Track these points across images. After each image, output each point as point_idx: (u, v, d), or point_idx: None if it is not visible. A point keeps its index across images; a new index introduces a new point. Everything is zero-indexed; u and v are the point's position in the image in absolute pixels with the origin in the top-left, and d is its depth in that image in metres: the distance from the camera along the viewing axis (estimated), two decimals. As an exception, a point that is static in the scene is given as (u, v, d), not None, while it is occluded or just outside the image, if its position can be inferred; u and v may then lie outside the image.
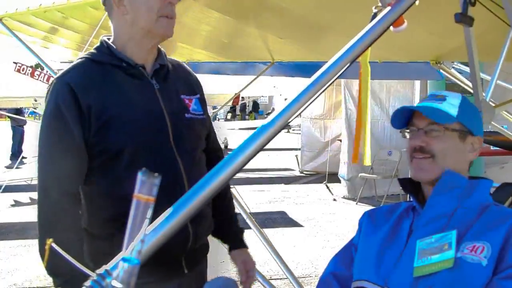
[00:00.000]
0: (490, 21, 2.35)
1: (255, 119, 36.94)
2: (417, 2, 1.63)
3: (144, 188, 1.05)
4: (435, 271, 1.64)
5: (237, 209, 4.90)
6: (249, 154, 1.28)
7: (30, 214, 8.76)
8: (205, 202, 1.20)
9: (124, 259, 1.04)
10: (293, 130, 23.73)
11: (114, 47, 2.13)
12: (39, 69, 15.58)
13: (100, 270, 1.07)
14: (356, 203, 10.32)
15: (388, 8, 1.60)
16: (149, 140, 2.09)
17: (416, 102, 8.89)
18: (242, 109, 38.98)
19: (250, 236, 5.85)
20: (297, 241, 7.67)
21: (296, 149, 15.27)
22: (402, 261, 1.76)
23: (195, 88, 2.34)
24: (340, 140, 11.71)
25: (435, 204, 1.79)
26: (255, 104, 39.91)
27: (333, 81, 1.49)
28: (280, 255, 4.34)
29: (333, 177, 11.77)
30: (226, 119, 37.00)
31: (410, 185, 1.94)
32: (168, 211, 1.15)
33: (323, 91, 1.50)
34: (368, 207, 9.69)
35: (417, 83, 8.99)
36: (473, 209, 1.76)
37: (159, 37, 2.15)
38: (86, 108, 2.01)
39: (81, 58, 2.16)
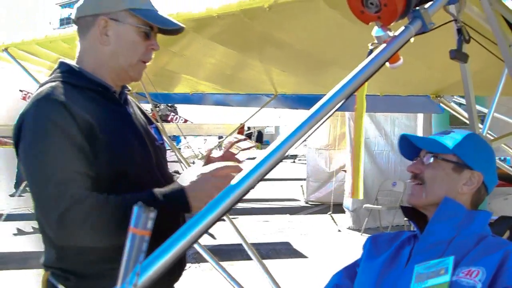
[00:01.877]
0: (488, 57, 2.39)
1: (261, 149, 36.96)
2: (412, 40, 1.68)
3: (140, 221, 1.07)
4: None
5: (239, 240, 4.93)
6: (249, 185, 1.31)
7: (32, 244, 8.78)
8: (203, 233, 1.22)
9: (119, 292, 1.06)
10: (299, 160, 23.72)
11: (85, 70, 2.03)
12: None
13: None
14: (361, 234, 10.27)
15: (384, 45, 1.64)
16: (142, 165, 2.01)
17: (419, 133, 8.93)
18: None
19: (252, 268, 5.85)
20: (301, 272, 7.63)
21: (301, 179, 15.26)
22: (399, 284, 1.82)
23: (150, 118, 2.31)
24: (345, 171, 11.72)
25: (434, 231, 1.87)
26: (260, 134, 39.95)
27: (330, 115, 1.53)
28: (280, 287, 4.35)
29: (338, 208, 11.73)
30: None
31: (412, 213, 2.02)
32: (164, 244, 1.17)
33: (321, 124, 1.53)
34: (373, 238, 9.71)
35: (420, 115, 9.04)
36: (471, 238, 1.83)
37: (129, 79, 2.11)
38: (86, 126, 1.85)
39: (51, 81, 1.97)
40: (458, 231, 1.85)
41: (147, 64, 2.11)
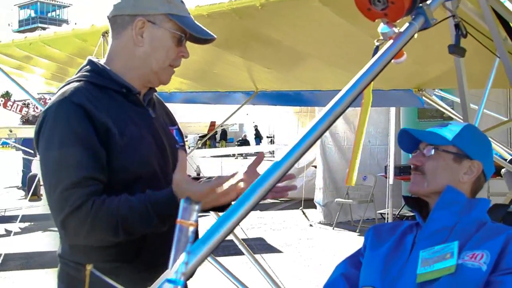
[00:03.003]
0: (474, 50, 2.48)
1: (225, 146, 36.95)
2: (415, 36, 1.75)
3: (186, 214, 1.12)
4: (437, 277, 1.78)
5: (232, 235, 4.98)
6: (277, 177, 1.36)
7: (7, 246, 8.67)
8: (235, 226, 1.28)
9: (169, 281, 1.10)
10: (266, 157, 23.80)
11: (112, 71, 2.05)
12: (11, 100, 15.46)
13: (145, 292, 1.14)
14: (333, 228, 10.42)
15: (390, 41, 1.71)
16: (158, 168, 2.04)
17: (391, 128, 9.10)
18: (210, 137, 38.79)
19: (232, 263, 5.88)
20: (276, 266, 7.68)
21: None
22: (406, 270, 1.90)
23: (173, 119, 2.33)
24: (315, 166, 11.83)
25: (437, 218, 1.96)
26: (224, 132, 39.86)
27: (345, 110, 1.58)
28: (272, 278, 4.42)
29: (309, 203, 11.87)
30: (197, 147, 36.82)
31: (414, 203, 2.10)
32: (205, 235, 1.22)
33: (332, 124, 1.59)
34: (345, 232, 9.88)
35: (392, 109, 9.20)
36: (472, 224, 1.92)
37: (157, 82, 2.13)
38: (103, 130, 1.90)
39: (77, 80, 2.02)
40: (460, 218, 1.94)
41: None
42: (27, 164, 14.99)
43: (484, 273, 1.73)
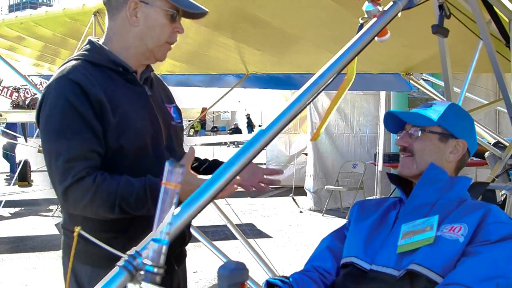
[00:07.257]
0: (458, 34, 2.52)
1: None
2: (399, 15, 1.79)
3: (172, 176, 1.16)
4: (417, 247, 1.85)
5: (222, 221, 5.02)
6: (255, 151, 1.40)
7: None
8: (218, 193, 1.33)
9: (154, 240, 1.15)
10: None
11: (109, 50, 2.13)
12: (1, 85, 15.36)
13: (131, 252, 1.18)
14: (323, 215, 10.49)
15: (374, 19, 1.75)
16: (149, 144, 2.12)
17: (381, 117, 9.16)
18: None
19: (233, 246, 5.89)
20: (267, 251, 7.74)
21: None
22: (387, 242, 1.97)
23: (171, 97, 2.40)
24: (306, 154, 11.88)
25: (419, 194, 2.03)
26: (203, 123, 39.62)
27: (327, 85, 1.62)
28: (264, 261, 4.46)
29: (299, 190, 11.95)
30: (188, 135, 36.77)
31: (398, 180, 2.16)
32: (189, 200, 1.27)
33: (315, 97, 1.63)
34: (334, 219, 9.94)
35: (382, 98, 9.27)
36: (452, 201, 1.98)
37: (154, 59, 2.21)
38: (97, 104, 1.98)
39: (74, 59, 2.11)
40: (441, 195, 2.00)
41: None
42: (12, 146, 14.96)
43: (461, 244, 1.79)
